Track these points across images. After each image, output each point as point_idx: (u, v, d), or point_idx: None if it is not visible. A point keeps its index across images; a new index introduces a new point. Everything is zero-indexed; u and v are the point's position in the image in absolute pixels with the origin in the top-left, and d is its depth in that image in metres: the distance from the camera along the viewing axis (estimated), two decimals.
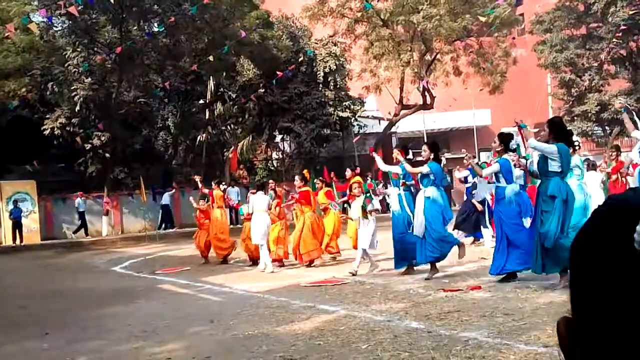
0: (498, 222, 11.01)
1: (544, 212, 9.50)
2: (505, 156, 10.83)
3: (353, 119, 37.72)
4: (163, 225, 32.11)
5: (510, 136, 11.12)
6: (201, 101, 38.36)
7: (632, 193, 0.84)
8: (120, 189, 33.62)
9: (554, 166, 9.53)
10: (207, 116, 38.20)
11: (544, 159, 9.61)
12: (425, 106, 38.74)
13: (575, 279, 0.86)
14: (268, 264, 14.79)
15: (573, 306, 0.87)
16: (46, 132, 29.93)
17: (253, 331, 8.28)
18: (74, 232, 31.26)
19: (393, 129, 40.99)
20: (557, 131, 9.68)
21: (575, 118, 40.62)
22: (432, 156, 11.88)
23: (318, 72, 36.24)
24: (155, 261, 19.59)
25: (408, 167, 12.30)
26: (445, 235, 11.73)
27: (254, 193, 15.89)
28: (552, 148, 9.50)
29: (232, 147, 36.85)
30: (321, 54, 36.38)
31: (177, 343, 8.11)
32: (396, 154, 12.61)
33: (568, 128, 10.22)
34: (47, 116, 30.42)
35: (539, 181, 10.24)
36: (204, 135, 37.77)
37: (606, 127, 41.52)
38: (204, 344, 7.95)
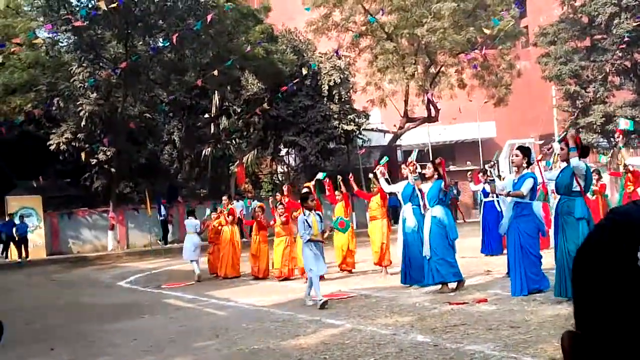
0: (515, 239, 10.38)
1: (568, 234, 9.18)
2: (528, 171, 10.68)
3: (358, 132, 37.73)
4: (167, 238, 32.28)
5: (528, 150, 10.95)
6: (206, 115, 38.47)
7: (635, 207, 0.84)
8: (126, 203, 33.66)
9: (579, 185, 9.33)
10: (212, 130, 38.29)
11: (571, 177, 9.34)
12: (430, 119, 38.78)
13: (579, 293, 0.86)
14: (196, 270, 17.10)
15: (577, 321, 0.86)
16: (52, 147, 30.01)
17: (259, 345, 8.27)
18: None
19: (398, 142, 40.99)
20: (579, 148, 9.42)
21: (580, 130, 40.50)
22: (436, 175, 11.83)
23: (322, 86, 36.29)
24: (161, 275, 19.58)
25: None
26: (449, 262, 11.52)
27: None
28: (582, 165, 9.30)
29: (238, 162, 36.89)
30: (325, 68, 36.45)
31: (182, 358, 8.09)
32: (406, 170, 12.59)
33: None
34: (53, 131, 30.51)
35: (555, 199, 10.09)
36: (209, 149, 37.83)
37: (611, 139, 41.44)
38: (209, 358, 7.94)
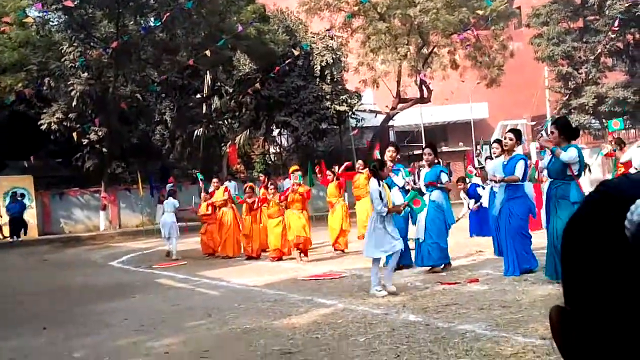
0: (507, 220, 10.42)
1: (561, 216, 9.06)
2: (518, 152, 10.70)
3: (350, 112, 37.68)
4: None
5: (519, 132, 10.97)
6: (198, 95, 38.35)
7: (625, 179, 0.84)
8: (118, 183, 33.60)
9: (573, 169, 9.25)
10: (204, 110, 38.19)
11: (563, 163, 9.25)
12: (423, 100, 38.73)
13: (567, 268, 0.86)
14: (173, 249, 17.87)
15: (565, 295, 0.86)
16: (43, 127, 29.86)
17: (251, 325, 8.29)
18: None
19: (390, 123, 40.97)
20: (568, 132, 9.40)
21: (573, 111, 40.60)
22: (436, 160, 11.82)
23: (315, 66, 36.20)
24: (153, 255, 19.59)
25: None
26: (442, 247, 11.55)
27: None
28: (573, 154, 9.19)
29: (230, 142, 36.83)
30: (318, 48, 36.33)
31: (174, 337, 8.11)
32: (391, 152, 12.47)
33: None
34: (44, 111, 30.35)
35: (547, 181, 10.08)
36: (201, 129, 37.75)
37: (603, 120, 41.56)
38: (201, 338, 7.96)
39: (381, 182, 10.20)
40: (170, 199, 18.80)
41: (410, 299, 9.19)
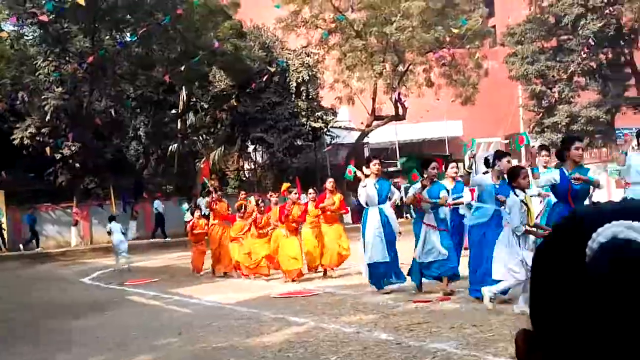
0: (480, 243, 9.92)
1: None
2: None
3: (325, 129, 37.76)
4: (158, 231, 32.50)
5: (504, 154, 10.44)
6: (173, 111, 38.22)
7: (595, 209, 0.85)
8: (91, 198, 33.33)
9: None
10: (179, 126, 38.07)
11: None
12: (398, 117, 38.91)
13: (534, 292, 0.87)
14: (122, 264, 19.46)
15: (532, 319, 0.87)
16: (15, 142, 29.58)
17: (222, 343, 8.23)
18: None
19: (365, 140, 41.10)
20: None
21: (546, 129, 40.95)
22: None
23: (291, 83, 36.27)
24: (124, 272, 19.42)
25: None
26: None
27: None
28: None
29: (204, 158, 36.72)
30: (294, 65, 36.41)
31: (145, 355, 8.04)
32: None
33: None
34: (17, 126, 30.08)
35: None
36: (176, 145, 37.61)
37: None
38: (172, 355, 7.89)
39: (519, 193, 8.54)
40: (113, 223, 20.55)
41: (382, 317, 9.17)
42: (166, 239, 31.33)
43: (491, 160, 9.93)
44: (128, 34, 30.34)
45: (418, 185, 11.02)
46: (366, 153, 42.67)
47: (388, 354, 7.05)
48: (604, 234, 0.77)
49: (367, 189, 11.63)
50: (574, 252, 0.79)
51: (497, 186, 9.62)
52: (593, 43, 37.30)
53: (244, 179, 42.14)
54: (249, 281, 14.98)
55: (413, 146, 46.38)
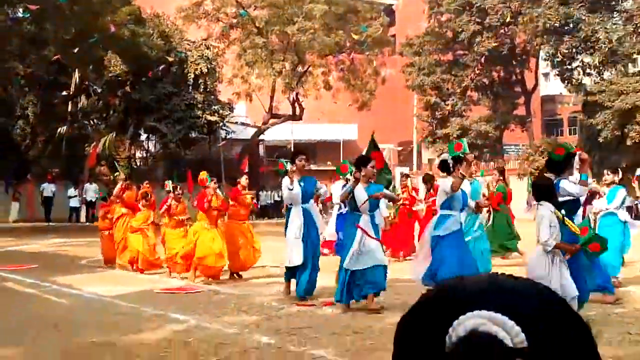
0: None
1: None
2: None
3: (221, 123, 37.50)
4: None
5: (447, 164, 9.66)
6: (64, 93, 37.07)
7: (462, 283, 0.83)
8: None
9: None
10: (69, 108, 36.95)
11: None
12: (295, 117, 39.08)
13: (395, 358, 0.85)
14: None
15: None
16: None
17: (98, 339, 7.99)
18: None
19: (261, 137, 41.04)
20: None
21: (437, 140, 42.05)
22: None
23: (189, 74, 35.84)
24: (2, 256, 18.63)
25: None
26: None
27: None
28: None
29: (94, 143, 35.78)
30: (193, 56, 35.99)
31: (14, 348, 7.69)
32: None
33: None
34: None
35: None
36: (65, 127, 36.48)
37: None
38: (44, 350, 7.60)
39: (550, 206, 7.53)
40: None
41: (265, 319, 9.13)
42: (49, 224, 30.35)
43: (451, 165, 9.70)
44: (20, 10, 29.19)
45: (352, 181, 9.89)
46: (261, 150, 42.69)
47: (267, 358, 7.02)
48: (465, 324, 0.76)
49: (290, 186, 11.03)
50: (437, 327, 0.78)
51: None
52: (486, 60, 38.55)
53: (135, 167, 41.31)
54: (132, 274, 14.60)
55: (308, 146, 46.63)
